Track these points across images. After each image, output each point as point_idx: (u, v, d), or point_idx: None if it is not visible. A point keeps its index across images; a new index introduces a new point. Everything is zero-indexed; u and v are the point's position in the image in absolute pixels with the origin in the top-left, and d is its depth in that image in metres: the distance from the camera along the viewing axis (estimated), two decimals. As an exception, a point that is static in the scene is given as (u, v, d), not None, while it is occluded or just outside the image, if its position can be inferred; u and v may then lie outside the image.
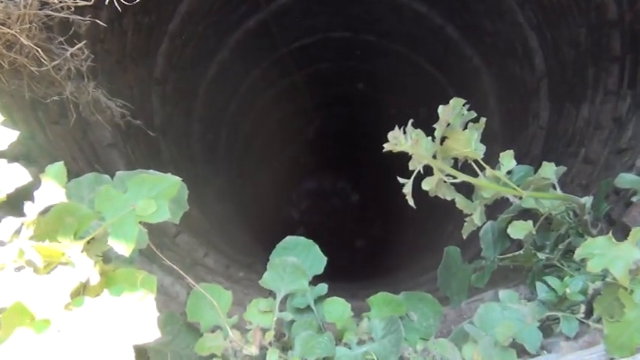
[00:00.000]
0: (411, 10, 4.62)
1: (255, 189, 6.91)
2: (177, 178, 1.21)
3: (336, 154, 8.93)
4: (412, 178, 1.35)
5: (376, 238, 9.02)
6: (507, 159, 1.41)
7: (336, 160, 9.15)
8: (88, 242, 1.11)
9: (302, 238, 1.56)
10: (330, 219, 9.54)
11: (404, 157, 1.41)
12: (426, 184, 1.38)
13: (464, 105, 1.34)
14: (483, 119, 1.38)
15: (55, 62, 1.29)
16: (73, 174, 1.25)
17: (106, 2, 1.25)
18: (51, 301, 0.95)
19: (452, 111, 1.32)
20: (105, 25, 2.02)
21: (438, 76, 5.15)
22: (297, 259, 1.46)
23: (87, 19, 1.38)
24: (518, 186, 1.44)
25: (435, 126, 1.35)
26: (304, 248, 1.54)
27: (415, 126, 1.33)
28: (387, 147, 1.31)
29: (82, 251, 1.08)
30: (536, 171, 1.49)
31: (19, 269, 0.99)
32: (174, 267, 1.46)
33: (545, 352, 1.35)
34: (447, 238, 4.56)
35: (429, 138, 1.35)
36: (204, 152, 4.72)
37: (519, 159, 1.49)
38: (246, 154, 6.22)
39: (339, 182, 9.88)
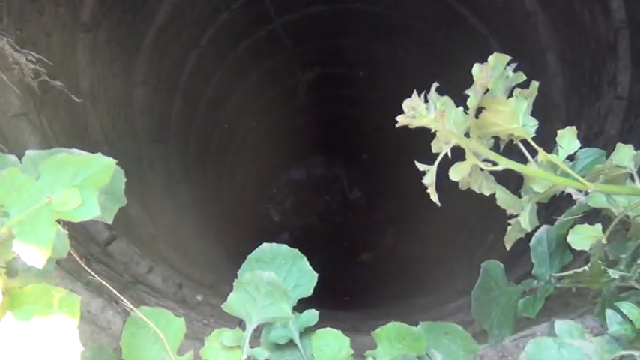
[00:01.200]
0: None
1: (221, 180, 7.09)
2: (112, 161, 1.23)
3: (332, 134, 9.11)
4: (436, 164, 1.37)
5: (387, 249, 9.21)
6: (568, 139, 1.46)
7: (333, 141, 9.32)
8: (-14, 248, 1.16)
9: (284, 246, 1.60)
10: (324, 222, 9.80)
11: (424, 136, 1.44)
12: (456, 173, 1.41)
13: (509, 63, 1.37)
14: (536, 83, 1.41)
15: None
16: (-37, 154, 1.27)
17: None
18: None
19: (492, 71, 1.36)
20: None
21: (476, 24, 5.31)
22: (277, 275, 1.47)
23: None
24: (583, 177, 1.46)
25: (468, 92, 1.37)
26: (287, 260, 1.57)
27: (442, 92, 1.36)
28: (400, 121, 1.33)
29: (-24, 261, 1.12)
30: (609, 156, 1.52)
31: None
32: (106, 285, 1.52)
33: (616, 403, 1.43)
34: (486, 250, 4.69)
35: (460, 109, 1.38)
36: (150, 128, 4.84)
37: (588, 140, 1.53)
38: (210, 130, 6.42)
39: (336, 172, 10.00)
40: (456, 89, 1.45)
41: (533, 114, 1.45)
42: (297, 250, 1.61)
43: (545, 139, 1.50)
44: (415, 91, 1.39)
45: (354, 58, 7.44)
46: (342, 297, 7.24)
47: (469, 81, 1.40)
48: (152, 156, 4.77)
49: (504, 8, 4.81)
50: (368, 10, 6.35)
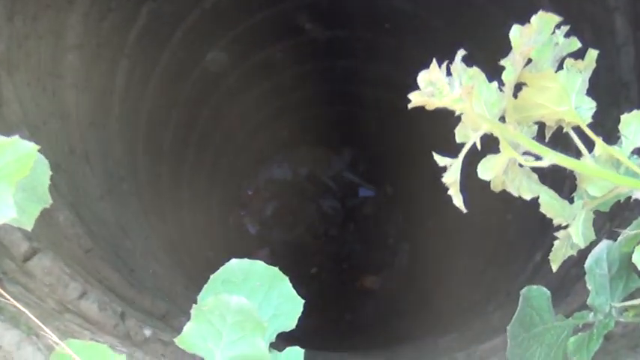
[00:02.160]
0: None
1: (180, 178, 7.17)
2: (33, 147, 1.30)
3: (326, 117, 9.23)
4: (461, 157, 1.39)
5: (398, 271, 9.35)
6: (636, 127, 1.48)
7: (327, 127, 9.40)
8: None
9: (259, 263, 1.64)
10: (316, 236, 9.92)
11: (446, 121, 1.45)
12: (487, 170, 1.42)
13: (559, 26, 1.38)
14: (594, 52, 1.42)
15: None
16: None
17: None
18: None
19: (537, 36, 1.38)
20: None
21: None
22: (250, 301, 1.51)
23: None
24: None
25: (503, 63, 1.39)
26: (263, 282, 1.62)
27: (470, 62, 1.38)
28: (414, 100, 1.34)
29: None
30: None
31: None
32: (25, 312, 1.55)
33: None
34: (530, 274, 4.70)
35: (495, 85, 1.39)
36: (87, 107, 4.90)
37: None
38: (168, 110, 6.54)
39: (331, 169, 10.11)
40: (489, 59, 1.48)
41: (591, 93, 1.46)
42: (276, 268, 1.64)
43: (609, 128, 1.51)
44: (434, 61, 1.41)
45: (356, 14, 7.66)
46: (336, 333, 7.32)
47: (506, 48, 1.41)
48: (88, 145, 4.80)
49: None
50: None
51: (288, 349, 1.58)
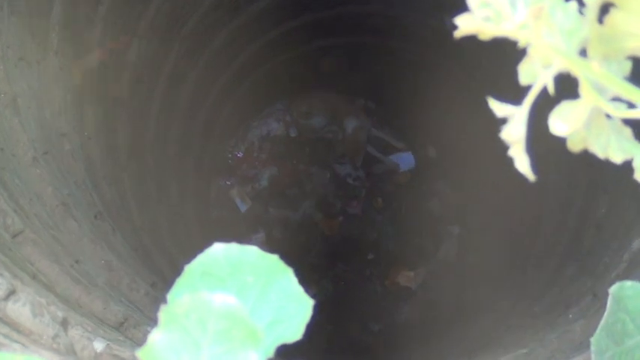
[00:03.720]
0: None
1: (145, 131, 7.31)
2: None
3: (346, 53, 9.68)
4: (528, 104, 1.41)
5: (444, 262, 9.53)
6: None
7: (338, 69, 9.83)
8: None
9: (252, 249, 1.63)
10: (330, 216, 10.00)
11: (504, 72, 1.46)
12: (562, 122, 1.44)
13: None
14: None
15: None
16: None
17: None
18: None
19: None
20: None
21: None
22: (239, 301, 1.51)
23: None
24: None
25: None
26: (258, 276, 1.62)
27: None
28: (463, 26, 1.36)
29: None
30: None
31: None
32: None
33: None
34: (625, 269, 4.80)
35: (572, 4, 1.41)
36: (16, 29, 5.10)
37: None
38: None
39: (352, 123, 10.36)
40: None
41: None
42: (276, 257, 1.63)
43: None
44: None
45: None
46: (358, 349, 7.35)
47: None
48: (15, 88, 4.78)
49: None
50: None
51: (292, 365, 1.61)
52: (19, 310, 3.09)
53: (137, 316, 4.09)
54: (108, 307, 4.03)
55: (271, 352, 1.58)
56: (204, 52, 8.61)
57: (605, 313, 1.93)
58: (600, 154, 1.50)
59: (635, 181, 1.64)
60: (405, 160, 10.15)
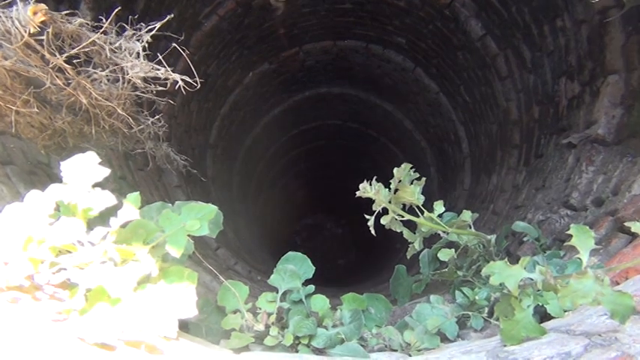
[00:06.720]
0: (382, 108, 12.16)
1: (271, 222, 13.62)
2: (215, 207, 2.75)
3: (326, 200, 18.10)
4: (374, 215, 3.35)
5: (352, 259, 18.74)
6: (439, 206, 3.63)
7: (327, 203, 18.67)
8: (153, 247, 2.47)
9: (299, 253, 3.55)
10: (322, 244, 17.42)
11: (370, 201, 3.46)
12: (384, 220, 3.36)
13: (411, 168, 3.37)
14: (424, 178, 3.37)
15: (140, 127, 3.30)
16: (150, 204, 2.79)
17: (177, 88, 3.01)
18: (123, 286, 2.20)
19: (403, 172, 3.37)
20: (177, 105, 5.76)
21: (397, 152, 12.36)
22: (294, 267, 3.46)
23: (164, 100, 3.45)
24: (446, 225, 3.62)
25: (391, 181, 3.29)
26: (300, 260, 3.52)
27: (378, 181, 3.38)
28: (358, 193, 3.29)
29: (148, 253, 2.36)
30: (459, 215, 3.79)
31: (103, 263, 2.23)
32: (213, 270, 3.75)
33: (460, 339, 3.36)
34: (398, 260, 9.28)
35: (387, 189, 3.39)
36: (239, 195, 9.71)
37: (449, 209, 3.55)
38: (267, 199, 12.62)
39: (329, 220, 20.37)
40: (387, 178, 3.51)
41: (422, 194, 3.76)
42: (305, 255, 3.62)
43: (428, 207, 3.83)
44: (365, 180, 3.42)
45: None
46: (327, 281, 9.46)
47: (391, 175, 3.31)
48: (239, 209, 9.26)
49: (410, 145, 13.73)
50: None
51: (309, 286, 3.56)
52: (238, 267, 6.65)
53: (269, 270, 7.48)
54: (261, 267, 5.76)
55: (302, 281, 3.52)
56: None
57: (393, 274, 5.09)
58: (394, 229, 4.24)
59: (402, 236, 4.23)
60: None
